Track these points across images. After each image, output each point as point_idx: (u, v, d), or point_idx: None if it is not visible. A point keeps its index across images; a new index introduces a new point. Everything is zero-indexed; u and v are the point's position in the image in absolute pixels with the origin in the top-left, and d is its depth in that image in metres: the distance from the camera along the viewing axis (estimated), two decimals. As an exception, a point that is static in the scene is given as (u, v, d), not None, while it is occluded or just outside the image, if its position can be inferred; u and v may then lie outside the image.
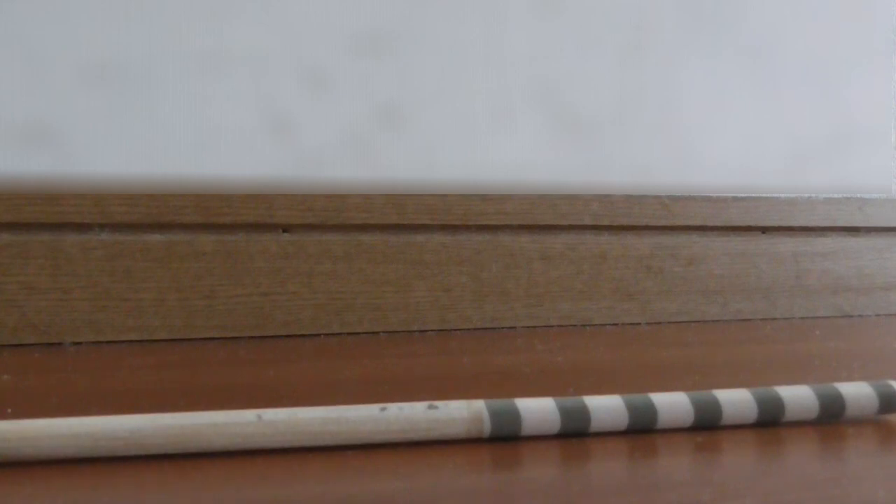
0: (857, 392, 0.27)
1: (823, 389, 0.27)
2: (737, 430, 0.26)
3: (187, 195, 0.44)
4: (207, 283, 0.45)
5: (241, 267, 0.45)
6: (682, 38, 0.53)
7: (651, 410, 0.25)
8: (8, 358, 0.38)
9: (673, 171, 0.53)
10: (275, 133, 0.45)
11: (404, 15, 0.47)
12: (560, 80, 0.50)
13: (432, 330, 0.49)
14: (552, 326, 0.51)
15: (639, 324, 0.53)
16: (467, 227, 0.50)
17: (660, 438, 0.25)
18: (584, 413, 0.25)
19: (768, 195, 0.56)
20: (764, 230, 0.56)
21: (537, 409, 0.24)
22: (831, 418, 0.27)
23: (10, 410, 0.28)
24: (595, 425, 0.25)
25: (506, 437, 0.24)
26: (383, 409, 0.24)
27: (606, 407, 0.25)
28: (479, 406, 0.24)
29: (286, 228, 0.46)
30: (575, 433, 0.25)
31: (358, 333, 0.47)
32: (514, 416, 0.24)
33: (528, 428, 0.24)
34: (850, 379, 0.34)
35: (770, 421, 0.26)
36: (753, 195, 0.55)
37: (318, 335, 0.46)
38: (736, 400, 0.26)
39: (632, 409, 0.25)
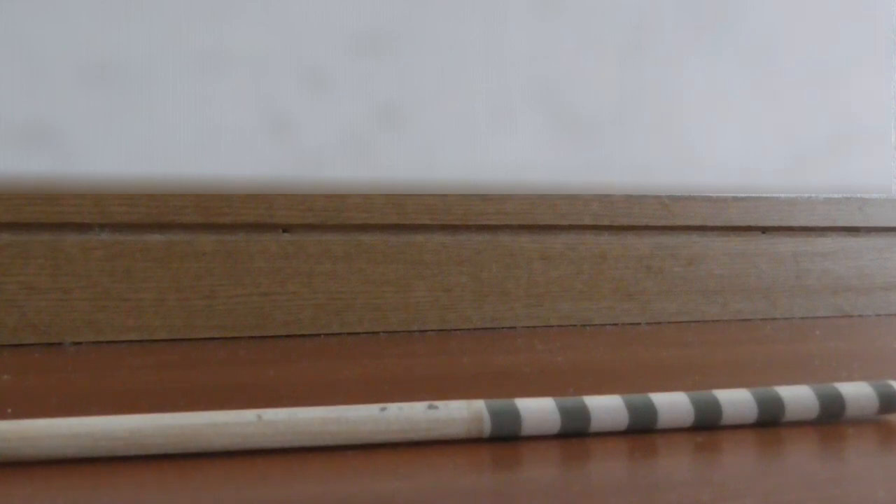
0: (857, 392, 0.27)
1: (823, 389, 0.27)
2: (737, 430, 0.26)
3: (187, 195, 0.44)
4: (207, 283, 0.45)
5: (241, 267, 0.45)
6: (682, 38, 0.53)
7: (651, 410, 0.25)
8: (8, 358, 0.38)
9: (673, 171, 0.53)
10: (275, 133, 0.45)
11: (404, 15, 0.47)
12: (560, 80, 0.50)
13: (432, 330, 0.49)
14: (552, 326, 0.51)
15: (639, 324, 0.53)
16: (467, 227, 0.50)
17: (660, 438, 0.25)
18: (584, 413, 0.25)
19: (768, 195, 0.56)
20: (764, 230, 0.56)
21: (537, 409, 0.24)
22: (831, 418, 0.27)
23: (10, 410, 0.28)
24: (595, 425, 0.25)
25: (506, 437, 0.24)
26: (383, 409, 0.24)
27: (606, 407, 0.25)
28: (479, 406, 0.24)
29: (286, 228, 0.46)
30: (575, 433, 0.25)
31: (358, 333, 0.47)
32: (514, 416, 0.24)
33: (528, 428, 0.24)
34: (850, 379, 0.34)
35: (770, 421, 0.26)
36: (753, 195, 0.55)
37: (318, 335, 0.46)
38: (736, 400, 0.26)
39: (632, 409, 0.25)
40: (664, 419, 0.25)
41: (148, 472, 0.21)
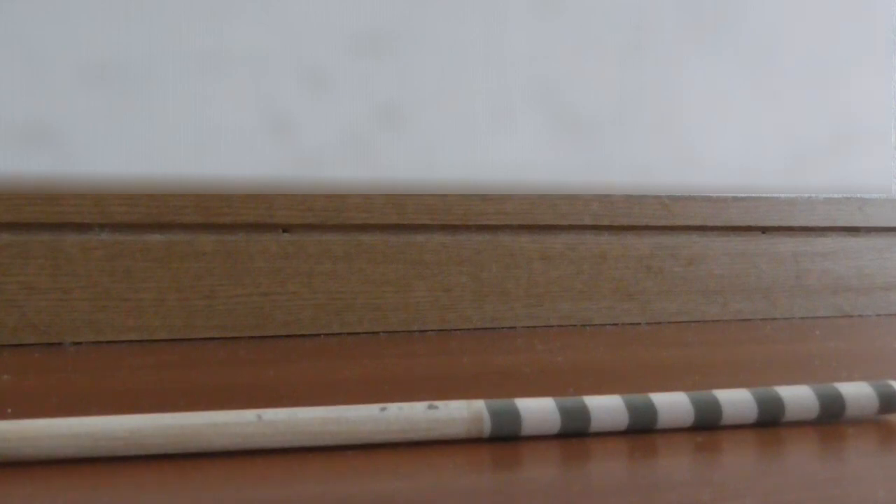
0: (857, 392, 0.27)
1: (823, 389, 0.27)
2: (737, 430, 0.26)
3: (187, 195, 0.44)
4: (207, 283, 0.45)
5: (241, 267, 0.45)
6: (682, 38, 0.53)
7: (651, 410, 0.25)
8: (8, 358, 0.38)
9: (673, 171, 0.53)
10: (275, 133, 0.45)
11: (404, 15, 0.47)
12: (560, 80, 0.50)
13: (432, 330, 0.49)
14: (552, 326, 0.51)
15: (639, 324, 0.53)
16: (467, 227, 0.50)
17: (660, 438, 0.25)
18: (584, 413, 0.25)
19: (768, 195, 0.56)
20: (764, 230, 0.56)
21: (537, 409, 0.24)
22: (831, 418, 0.27)
23: (10, 410, 0.28)
24: (595, 425, 0.25)
25: (506, 437, 0.24)
26: (383, 409, 0.24)
27: (606, 407, 0.25)
28: (479, 406, 0.24)
29: (286, 228, 0.46)
30: (575, 433, 0.25)
31: (358, 333, 0.47)
32: (514, 416, 0.24)
33: (528, 428, 0.24)
34: (850, 379, 0.34)
35: (770, 421, 0.26)
36: (753, 195, 0.55)
37: (318, 335, 0.46)
38: (736, 400, 0.26)
39: (632, 409, 0.25)
40: (664, 419, 0.25)
41: (148, 472, 0.21)
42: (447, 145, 0.48)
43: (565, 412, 0.24)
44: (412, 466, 0.22)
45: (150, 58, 0.43)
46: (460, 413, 0.24)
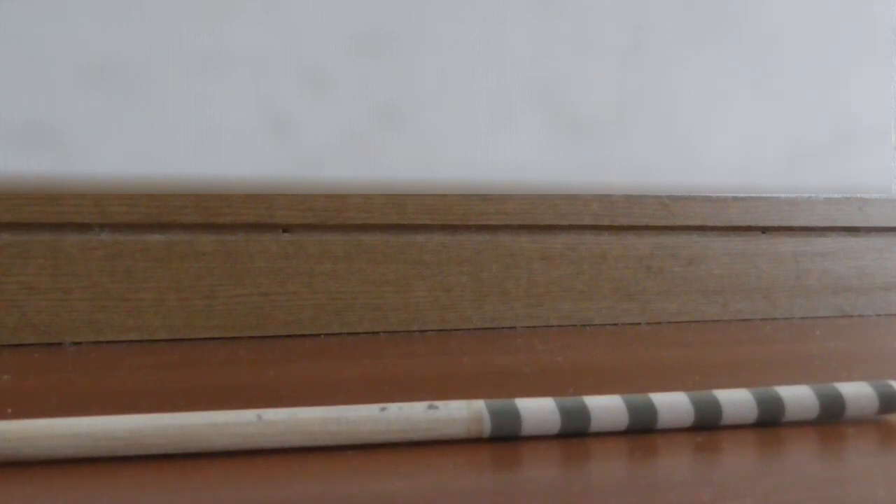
0: (857, 392, 0.27)
1: (823, 389, 0.27)
2: (737, 430, 0.26)
3: (187, 195, 0.44)
4: (207, 283, 0.45)
5: (241, 267, 0.45)
6: (682, 38, 0.53)
7: (651, 410, 0.25)
8: (8, 358, 0.38)
9: (673, 171, 0.53)
10: (275, 133, 0.45)
11: (404, 15, 0.47)
12: (560, 80, 0.50)
13: (432, 330, 0.49)
14: (552, 326, 0.51)
15: (639, 324, 0.53)
16: (467, 227, 0.50)
17: (660, 438, 0.25)
18: (584, 413, 0.25)
19: (768, 195, 0.56)
20: (764, 230, 0.56)
21: (537, 409, 0.24)
22: (831, 418, 0.27)
23: (10, 410, 0.28)
24: (595, 425, 0.25)
25: (506, 437, 0.24)
26: (383, 409, 0.24)
27: (606, 407, 0.25)
28: (479, 406, 0.24)
29: (286, 228, 0.46)
30: (575, 433, 0.25)
31: (358, 333, 0.47)
32: (514, 416, 0.24)
33: (528, 428, 0.24)
34: (850, 379, 0.34)
35: (770, 421, 0.26)
36: (753, 195, 0.55)
37: (318, 335, 0.46)
38: (736, 400, 0.26)
39: (632, 409, 0.25)
40: (664, 419, 0.25)
41: (148, 472, 0.21)
42: (447, 145, 0.48)
43: (565, 412, 0.24)
44: (412, 466, 0.22)
45: (150, 58, 0.43)
46: (460, 413, 0.24)
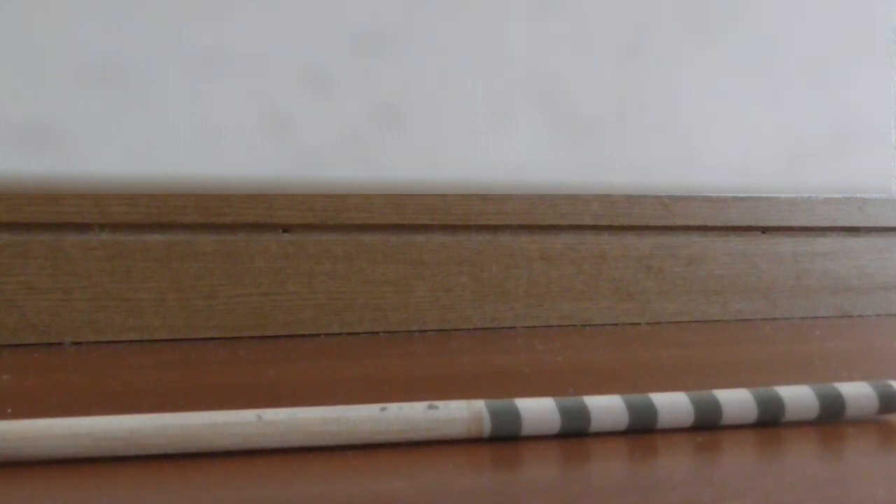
0: (857, 392, 0.27)
1: (823, 389, 0.27)
2: (737, 430, 0.26)
3: (187, 195, 0.44)
4: (207, 283, 0.45)
5: (241, 267, 0.45)
6: (682, 38, 0.53)
7: (651, 410, 0.25)
8: (8, 358, 0.38)
9: (673, 171, 0.53)
10: (275, 133, 0.45)
11: (404, 15, 0.47)
12: (560, 80, 0.50)
13: (432, 330, 0.49)
14: (552, 326, 0.51)
15: (639, 324, 0.53)
16: (467, 227, 0.50)
17: (660, 438, 0.25)
18: (584, 413, 0.25)
19: (768, 195, 0.56)
20: (764, 230, 0.56)
21: (537, 409, 0.24)
22: (831, 418, 0.27)
23: (10, 410, 0.28)
24: (595, 425, 0.25)
25: (506, 437, 0.24)
26: (383, 409, 0.24)
27: (606, 407, 0.25)
28: (479, 406, 0.24)
29: (286, 228, 0.46)
30: (575, 433, 0.25)
31: (358, 333, 0.47)
32: (514, 416, 0.24)
33: (528, 428, 0.24)
34: (850, 379, 0.34)
35: (770, 421, 0.26)
36: (753, 195, 0.55)
37: (318, 335, 0.46)
38: (736, 400, 0.26)
39: (632, 409, 0.25)
40: (664, 419, 0.25)
41: (148, 472, 0.21)
42: (447, 145, 0.48)
43: (565, 412, 0.24)
44: (412, 466, 0.22)
45: (150, 58, 0.43)
46: (460, 413, 0.24)
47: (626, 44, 0.52)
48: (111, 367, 0.36)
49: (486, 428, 0.24)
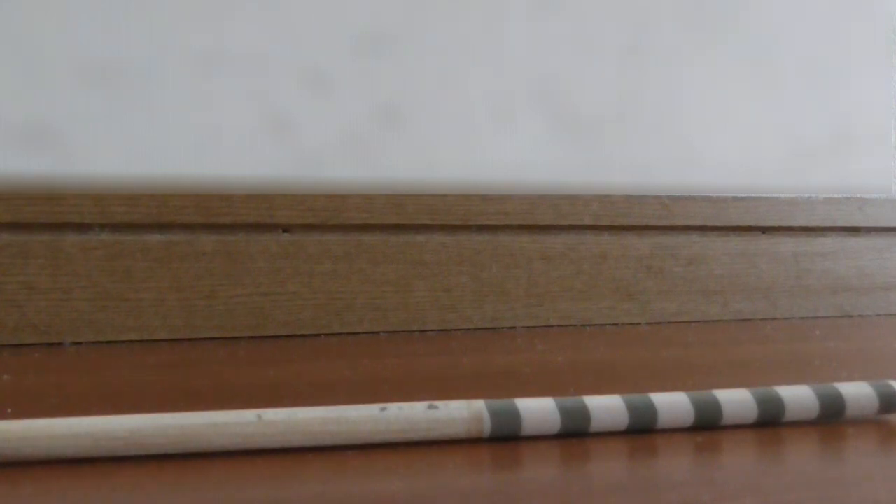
0: (857, 392, 0.27)
1: (823, 389, 0.27)
2: (737, 430, 0.26)
3: (187, 195, 0.44)
4: (207, 283, 0.45)
5: (241, 267, 0.45)
6: (682, 38, 0.53)
7: (651, 410, 0.25)
8: (8, 358, 0.38)
9: (673, 171, 0.53)
10: (275, 133, 0.45)
11: (404, 15, 0.47)
12: (560, 80, 0.50)
13: (432, 330, 0.49)
14: (552, 326, 0.51)
15: (639, 324, 0.53)
16: (467, 227, 0.50)
17: (660, 438, 0.25)
18: (584, 413, 0.25)
19: (768, 195, 0.56)
20: (764, 230, 0.56)
21: (537, 409, 0.24)
22: (831, 418, 0.27)
23: (10, 410, 0.28)
24: (595, 425, 0.25)
25: (506, 437, 0.24)
26: (383, 409, 0.24)
27: (606, 407, 0.25)
28: (479, 406, 0.24)
29: (286, 228, 0.46)
30: (575, 433, 0.25)
31: (358, 333, 0.47)
32: (514, 416, 0.24)
33: (528, 428, 0.24)
34: (850, 379, 0.34)
35: (770, 421, 0.26)
36: (753, 195, 0.55)
37: (318, 335, 0.46)
38: (736, 400, 0.26)
39: (632, 409, 0.25)
40: (664, 419, 0.25)
41: (148, 472, 0.21)
42: (447, 145, 0.48)
43: (565, 412, 0.24)
44: (412, 466, 0.22)
45: (150, 58, 0.43)
46: (460, 413, 0.24)
47: (626, 44, 0.52)
48: (111, 367, 0.36)
49: (486, 428, 0.24)
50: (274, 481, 0.21)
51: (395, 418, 0.23)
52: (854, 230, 0.59)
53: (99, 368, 0.36)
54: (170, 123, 0.44)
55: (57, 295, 0.42)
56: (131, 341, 0.44)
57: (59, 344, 0.43)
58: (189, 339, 0.44)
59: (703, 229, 0.55)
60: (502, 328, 0.50)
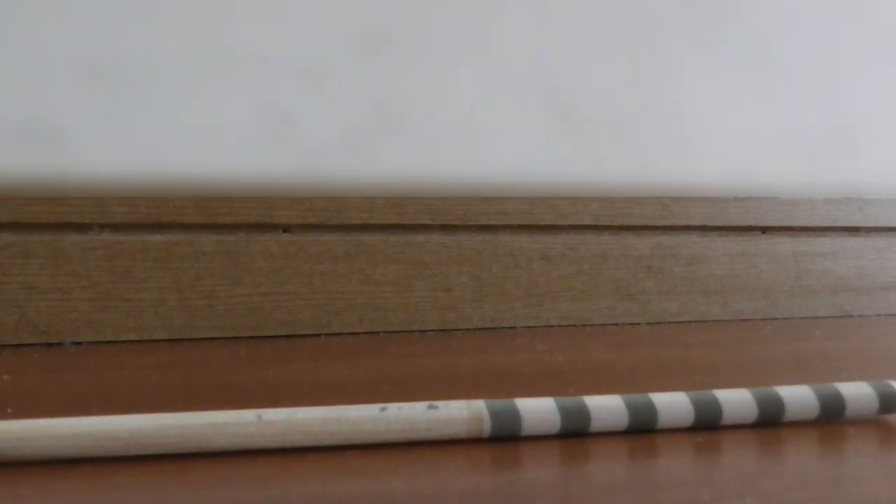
0: (857, 392, 0.27)
1: (823, 389, 0.27)
2: (737, 430, 0.26)
3: (187, 195, 0.44)
4: (207, 283, 0.45)
5: (241, 267, 0.45)
6: (682, 38, 0.53)
7: (651, 410, 0.25)
8: (8, 358, 0.38)
9: (673, 171, 0.53)
10: (275, 133, 0.45)
11: (404, 15, 0.47)
12: (560, 80, 0.50)
13: (432, 330, 0.49)
14: (552, 326, 0.51)
15: (639, 324, 0.53)
16: (467, 227, 0.50)
17: (660, 438, 0.25)
18: (584, 413, 0.25)
19: (768, 195, 0.56)
20: (764, 230, 0.56)
21: (537, 409, 0.24)
22: (831, 418, 0.27)
23: (10, 410, 0.28)
24: (595, 425, 0.25)
25: (506, 437, 0.24)
26: (383, 409, 0.24)
27: (606, 407, 0.25)
28: (479, 406, 0.24)
29: (286, 228, 0.46)
30: (575, 433, 0.25)
31: (358, 333, 0.47)
32: (514, 416, 0.24)
33: (528, 428, 0.24)
34: (850, 379, 0.34)
35: (770, 421, 0.26)
36: (753, 195, 0.55)
37: (318, 335, 0.46)
38: (736, 400, 0.26)
39: (632, 409, 0.25)
40: (664, 419, 0.25)
41: (148, 472, 0.21)
42: (447, 145, 0.48)
43: (565, 412, 0.24)
44: (412, 466, 0.22)
45: (150, 57, 0.43)
46: (460, 413, 0.24)
47: (626, 44, 0.52)
48: (111, 367, 0.36)
49: (486, 428, 0.24)
50: (274, 481, 0.21)
51: (395, 418, 0.23)
52: (854, 230, 0.59)
53: (99, 368, 0.36)
54: (170, 123, 0.44)
55: (57, 295, 0.42)
56: (131, 341, 0.44)
57: (59, 344, 0.43)
58: (189, 339, 0.44)
59: (703, 229, 0.55)
60: (502, 328, 0.50)
